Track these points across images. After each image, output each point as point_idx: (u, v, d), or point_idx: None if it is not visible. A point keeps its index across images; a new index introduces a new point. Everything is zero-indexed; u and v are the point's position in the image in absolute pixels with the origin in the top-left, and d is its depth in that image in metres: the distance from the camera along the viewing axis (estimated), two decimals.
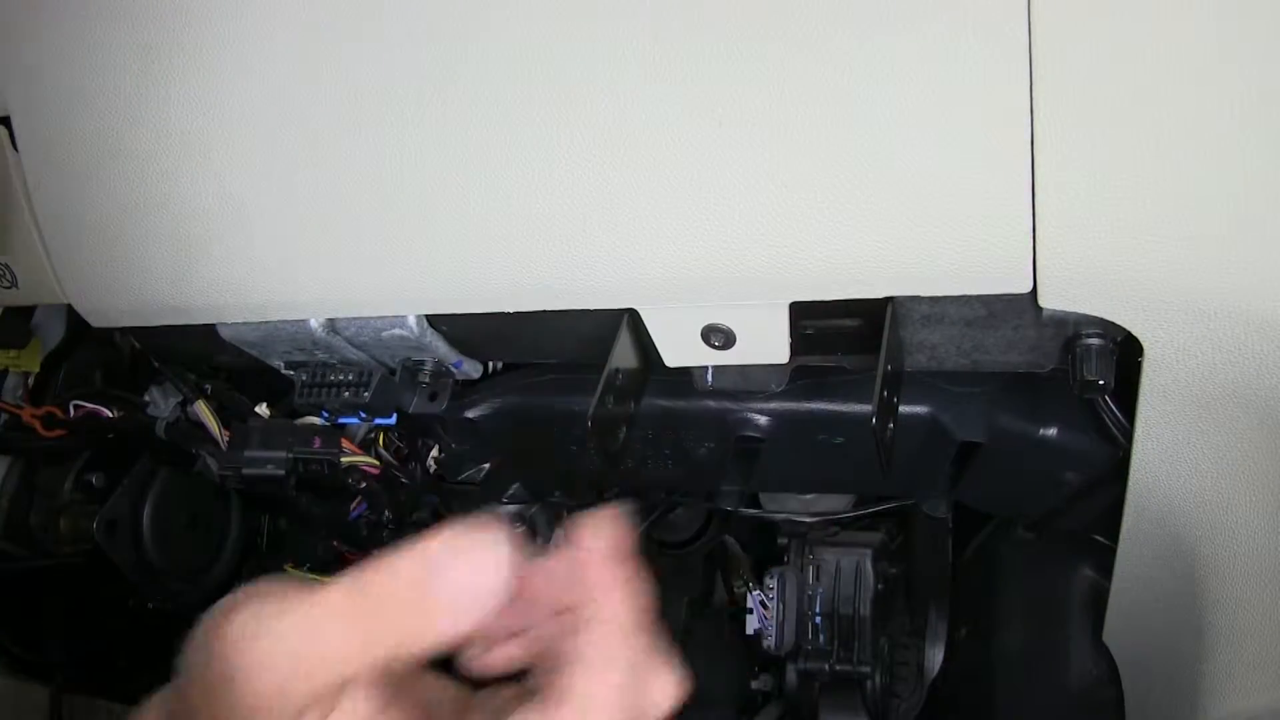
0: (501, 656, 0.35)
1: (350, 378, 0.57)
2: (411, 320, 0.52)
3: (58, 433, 0.69)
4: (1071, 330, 0.44)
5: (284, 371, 0.59)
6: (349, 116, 0.45)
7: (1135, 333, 0.41)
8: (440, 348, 0.55)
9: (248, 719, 0.28)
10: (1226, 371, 0.41)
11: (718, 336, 0.47)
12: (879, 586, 0.76)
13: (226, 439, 0.65)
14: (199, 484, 0.73)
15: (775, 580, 0.76)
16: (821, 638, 0.75)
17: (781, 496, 0.78)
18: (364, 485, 0.64)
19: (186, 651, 0.31)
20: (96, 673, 0.76)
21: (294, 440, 0.63)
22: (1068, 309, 0.41)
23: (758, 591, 0.76)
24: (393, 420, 0.60)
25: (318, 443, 0.62)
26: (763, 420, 0.59)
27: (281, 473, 0.63)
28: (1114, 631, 0.59)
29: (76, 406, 0.70)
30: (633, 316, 0.48)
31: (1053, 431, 0.55)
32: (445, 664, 0.34)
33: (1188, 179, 0.36)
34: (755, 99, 0.40)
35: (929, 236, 0.40)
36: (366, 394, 0.56)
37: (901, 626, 0.80)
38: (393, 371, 0.57)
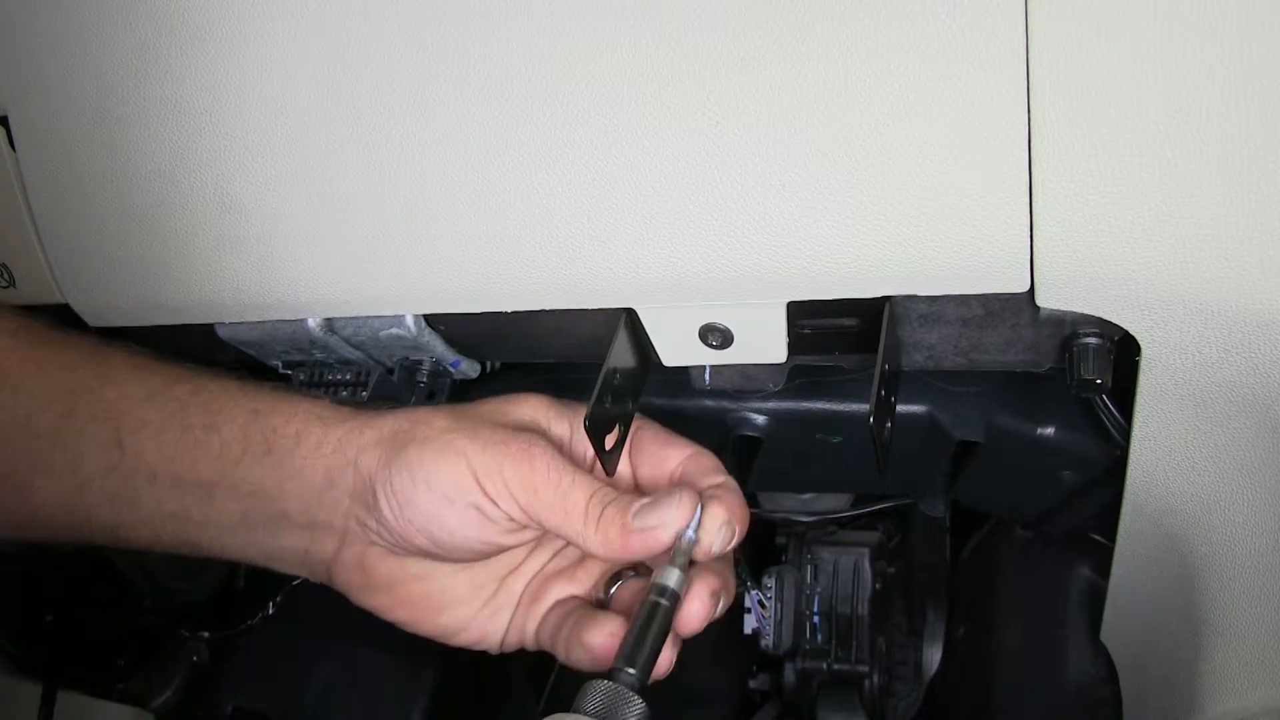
0: None
1: (348, 377, 0.57)
2: (409, 320, 0.52)
3: None
4: (1069, 329, 0.44)
5: (282, 371, 0.59)
6: (347, 115, 0.45)
7: (1133, 332, 0.41)
8: (438, 347, 0.55)
9: None
10: (1224, 370, 0.41)
11: (715, 336, 0.47)
12: (877, 586, 0.76)
13: None
14: None
15: (773, 579, 0.76)
16: (819, 637, 0.75)
17: (779, 496, 0.78)
18: None
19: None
20: (95, 672, 0.76)
21: None
22: (1065, 308, 0.41)
23: (755, 591, 0.76)
24: None
25: None
26: (761, 420, 0.59)
27: None
28: (1111, 630, 0.59)
29: None
30: (630, 316, 0.48)
31: (1050, 431, 0.55)
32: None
33: (1185, 178, 0.36)
34: (752, 98, 0.40)
35: (926, 236, 0.40)
36: (364, 393, 0.56)
37: (899, 626, 0.80)
38: (390, 371, 0.57)
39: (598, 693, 0.41)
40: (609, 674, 0.42)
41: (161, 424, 0.49)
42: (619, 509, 0.46)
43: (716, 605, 0.46)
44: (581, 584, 0.51)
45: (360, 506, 0.48)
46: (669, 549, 0.45)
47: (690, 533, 0.45)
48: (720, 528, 0.46)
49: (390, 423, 0.49)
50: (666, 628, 0.44)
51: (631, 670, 0.42)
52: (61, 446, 0.48)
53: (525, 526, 0.47)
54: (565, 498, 0.46)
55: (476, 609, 0.50)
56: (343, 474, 0.49)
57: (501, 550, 0.49)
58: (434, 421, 0.48)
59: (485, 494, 0.46)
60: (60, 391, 0.49)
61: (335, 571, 0.50)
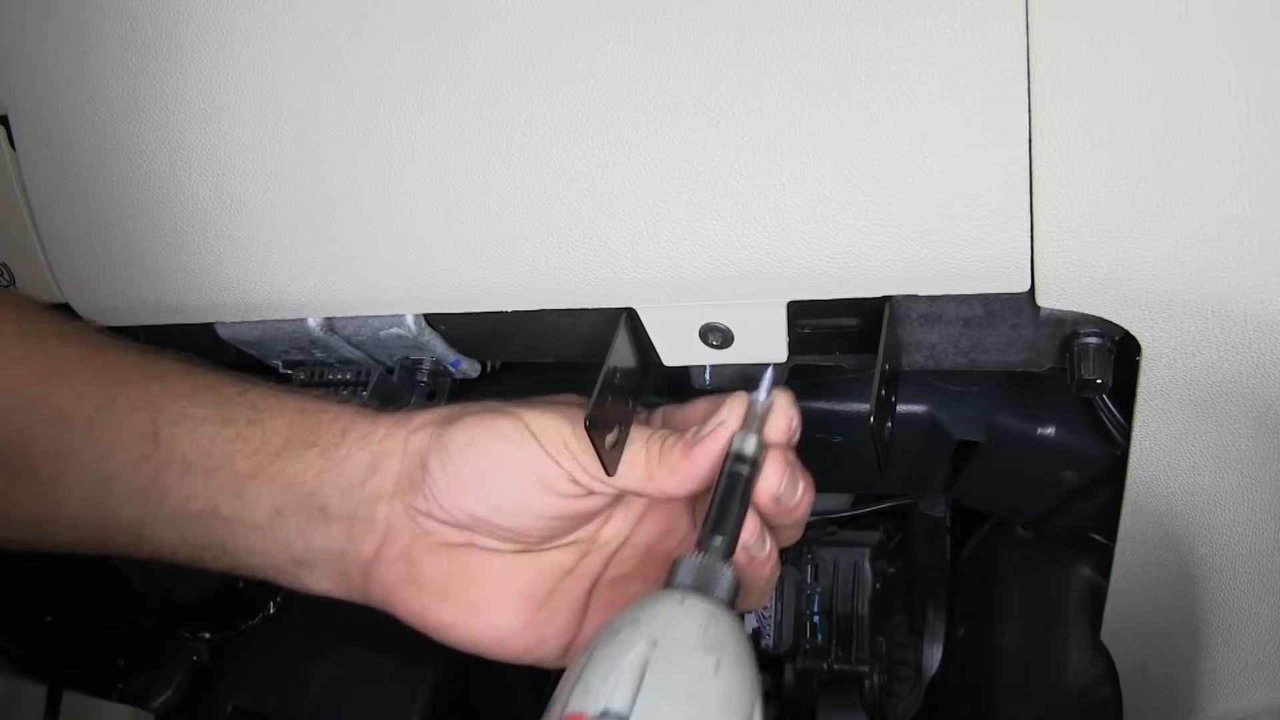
0: None
1: (348, 377, 0.57)
2: (409, 319, 0.52)
3: None
4: (1069, 329, 0.44)
5: (282, 370, 0.59)
6: (348, 115, 0.45)
7: (1133, 331, 0.41)
8: (438, 347, 0.55)
9: None
10: (1224, 370, 0.41)
11: (716, 336, 0.47)
12: (877, 585, 0.76)
13: None
14: None
15: None
16: (820, 637, 0.75)
17: None
18: None
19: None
20: (95, 672, 0.76)
21: None
22: (1065, 308, 0.41)
23: None
24: None
25: None
26: None
27: None
28: (1111, 630, 0.59)
29: None
30: (631, 316, 0.48)
31: (1051, 430, 0.55)
32: None
33: (1186, 177, 0.36)
34: (751, 98, 0.40)
35: (927, 235, 0.40)
36: (364, 393, 0.56)
37: (900, 625, 0.80)
38: (391, 370, 0.57)
39: (688, 566, 0.41)
40: (696, 545, 0.41)
41: (203, 417, 0.49)
42: (677, 437, 0.45)
43: (797, 482, 0.44)
44: (653, 581, 0.49)
45: (406, 487, 0.47)
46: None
47: (763, 394, 0.44)
48: (790, 404, 0.45)
49: (441, 409, 0.49)
50: (749, 495, 0.42)
51: (719, 538, 0.41)
52: (95, 437, 0.48)
53: (587, 492, 0.46)
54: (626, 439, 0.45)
55: (531, 610, 0.48)
56: (388, 459, 0.48)
57: (562, 524, 0.47)
58: (485, 402, 0.48)
59: (545, 451, 0.45)
60: (102, 384, 0.49)
61: (375, 570, 0.48)
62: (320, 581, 0.50)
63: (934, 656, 0.78)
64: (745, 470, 0.43)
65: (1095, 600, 0.62)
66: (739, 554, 0.43)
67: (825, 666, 0.74)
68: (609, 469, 0.46)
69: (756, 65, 0.40)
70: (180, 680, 0.76)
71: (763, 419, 0.44)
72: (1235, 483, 0.45)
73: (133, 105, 0.48)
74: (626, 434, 0.47)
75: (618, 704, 0.35)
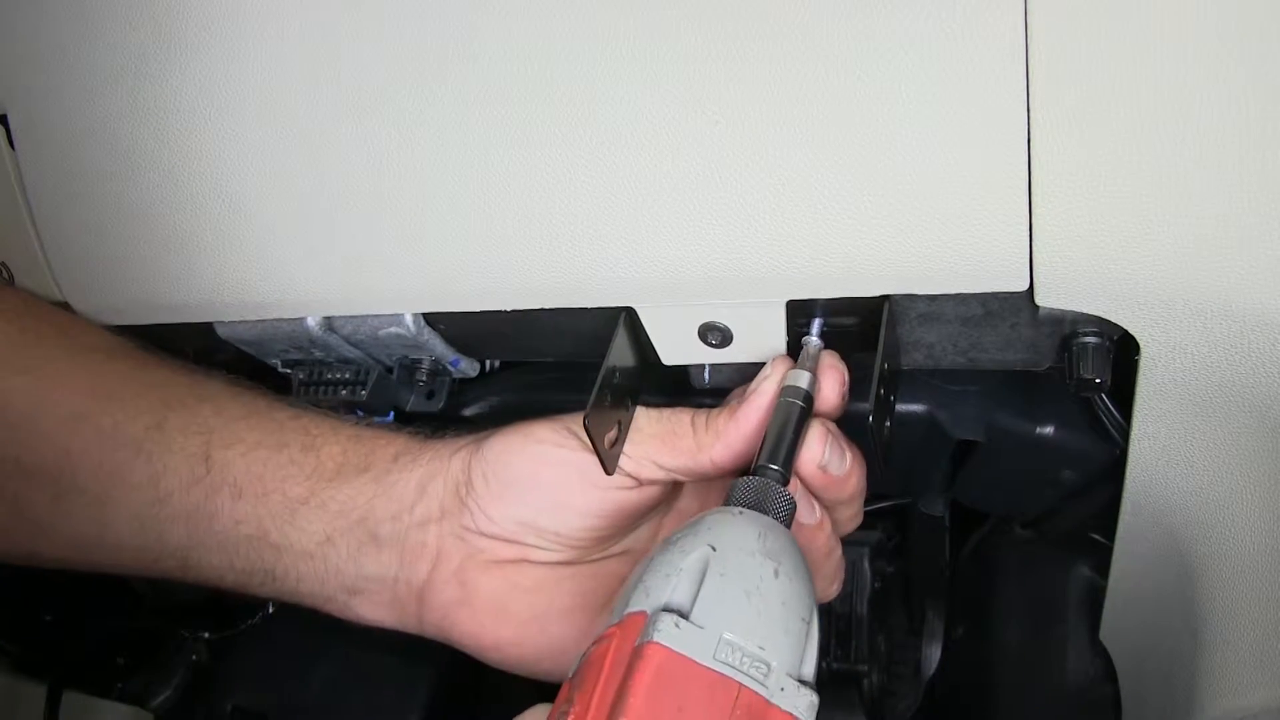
0: None
1: (347, 376, 0.57)
2: (408, 319, 0.52)
3: None
4: (1068, 328, 0.44)
5: (281, 370, 0.59)
6: (347, 115, 0.45)
7: (1132, 331, 0.41)
8: (437, 346, 0.55)
9: None
10: (1223, 370, 0.41)
11: (715, 335, 0.47)
12: (876, 585, 0.76)
13: None
14: None
15: None
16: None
17: None
18: None
19: None
20: (95, 671, 0.76)
21: None
22: (1065, 307, 0.41)
23: None
24: (390, 418, 0.60)
25: None
26: None
27: None
28: (1110, 630, 0.59)
29: None
30: (630, 315, 0.48)
31: (1050, 430, 0.55)
32: None
33: (1185, 177, 0.36)
34: (750, 98, 0.40)
35: (926, 235, 0.40)
36: (364, 392, 0.56)
37: (899, 625, 0.80)
38: (390, 370, 0.57)
39: (747, 487, 0.41)
40: (754, 472, 0.42)
41: (256, 442, 0.48)
42: (721, 408, 0.45)
43: (843, 452, 0.44)
44: None
45: (453, 507, 0.47)
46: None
47: (814, 338, 0.44)
48: (838, 360, 0.45)
49: (484, 432, 0.48)
50: (804, 428, 0.43)
51: (775, 466, 0.41)
52: (145, 458, 0.47)
53: (634, 483, 0.46)
54: (669, 420, 0.46)
55: (588, 619, 0.47)
56: (434, 480, 0.48)
57: (609, 523, 0.47)
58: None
59: (584, 445, 0.45)
60: (152, 404, 0.48)
61: (428, 595, 0.47)
62: (373, 610, 0.49)
63: (933, 656, 0.78)
64: (800, 402, 0.43)
65: (1094, 600, 0.62)
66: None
67: (824, 666, 0.74)
68: (608, 468, 0.46)
69: (755, 65, 0.40)
70: (180, 680, 0.76)
71: (815, 359, 0.44)
72: (1234, 482, 0.45)
73: (132, 105, 0.48)
74: (626, 433, 0.47)
75: (678, 599, 0.35)
